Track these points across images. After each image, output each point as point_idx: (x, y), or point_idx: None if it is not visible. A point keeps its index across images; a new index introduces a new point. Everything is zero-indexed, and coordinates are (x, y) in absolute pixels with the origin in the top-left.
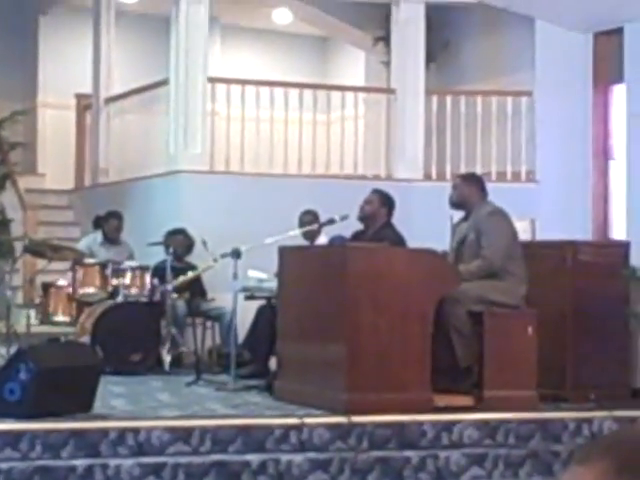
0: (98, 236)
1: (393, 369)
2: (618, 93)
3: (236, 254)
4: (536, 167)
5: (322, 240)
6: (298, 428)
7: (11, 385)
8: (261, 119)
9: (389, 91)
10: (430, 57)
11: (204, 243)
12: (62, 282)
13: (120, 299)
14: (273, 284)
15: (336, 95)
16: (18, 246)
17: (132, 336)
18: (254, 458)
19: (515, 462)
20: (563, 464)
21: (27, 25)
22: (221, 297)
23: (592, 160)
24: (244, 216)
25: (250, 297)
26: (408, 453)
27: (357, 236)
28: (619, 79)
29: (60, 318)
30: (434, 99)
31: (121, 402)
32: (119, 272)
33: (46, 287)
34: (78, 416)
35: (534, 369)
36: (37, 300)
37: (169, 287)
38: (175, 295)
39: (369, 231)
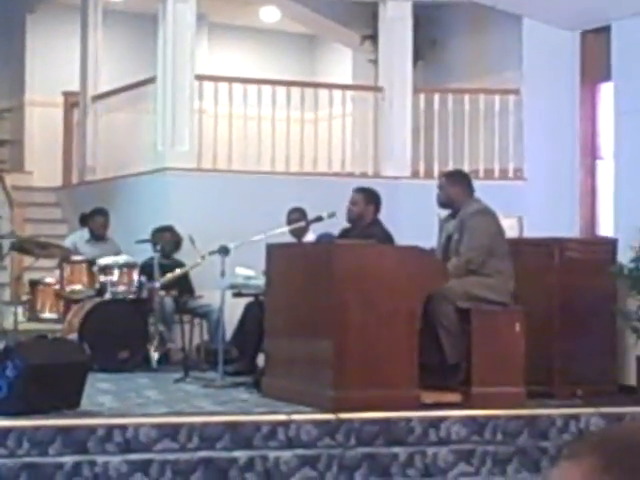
0: (85, 233)
1: (381, 366)
2: (605, 91)
3: (224, 251)
4: (524, 165)
5: (310, 237)
6: (286, 425)
7: None
8: (249, 117)
9: (377, 89)
10: (418, 55)
11: (192, 240)
12: (49, 279)
13: (108, 296)
14: (261, 281)
15: (324, 93)
16: (5, 243)
17: (120, 333)
18: (242, 455)
19: (503, 458)
20: (551, 460)
21: (14, 23)
22: (209, 294)
23: (579, 158)
24: (232, 213)
25: (238, 294)
26: (396, 449)
27: (345, 233)
28: (606, 77)
29: (47, 315)
30: (422, 97)
31: (109, 399)
32: (106, 269)
33: (33, 284)
34: (66, 413)
35: (521, 366)
36: (24, 297)
37: (157, 284)
38: (163, 292)
39: (357, 228)
